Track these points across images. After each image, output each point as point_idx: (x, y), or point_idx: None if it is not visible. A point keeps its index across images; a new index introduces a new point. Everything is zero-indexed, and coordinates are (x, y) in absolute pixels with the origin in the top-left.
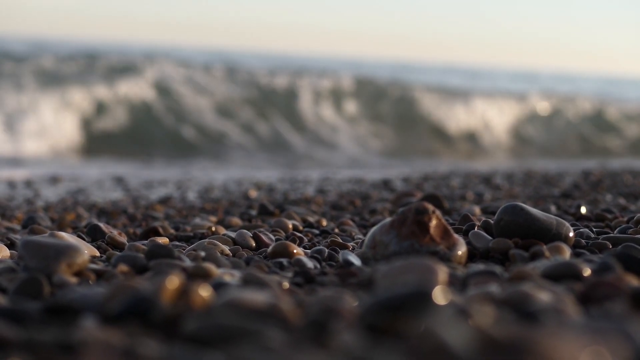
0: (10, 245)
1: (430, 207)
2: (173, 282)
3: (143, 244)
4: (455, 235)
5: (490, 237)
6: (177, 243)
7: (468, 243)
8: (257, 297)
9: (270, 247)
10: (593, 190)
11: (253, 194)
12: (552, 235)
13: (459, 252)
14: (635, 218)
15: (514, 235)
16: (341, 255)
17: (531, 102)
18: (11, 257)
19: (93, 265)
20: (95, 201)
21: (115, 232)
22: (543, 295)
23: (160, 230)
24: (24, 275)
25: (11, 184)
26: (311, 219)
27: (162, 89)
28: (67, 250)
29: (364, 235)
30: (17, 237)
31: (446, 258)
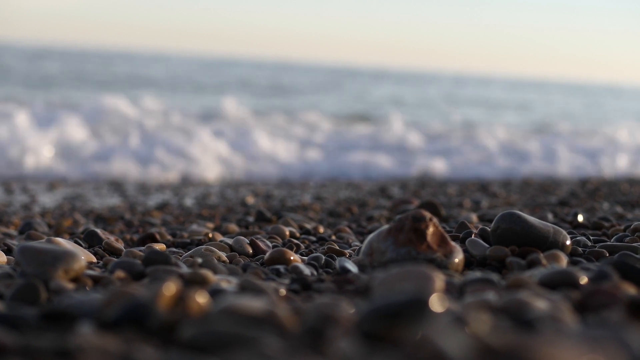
0: (7, 251)
1: (428, 214)
2: (170, 288)
3: (140, 250)
4: (452, 243)
5: (487, 245)
6: (174, 249)
7: (465, 250)
8: (253, 303)
9: (267, 254)
10: (590, 198)
11: (250, 200)
12: (549, 243)
13: (456, 260)
14: (632, 226)
15: (511, 243)
16: (338, 262)
17: None
18: (8, 263)
19: (90, 272)
20: (93, 207)
21: (112, 238)
22: (540, 303)
23: (157, 236)
24: (21, 281)
25: (8, 189)
26: (308, 225)
27: None
28: (64, 256)
29: (361, 242)
30: (14, 243)
31: (443, 265)
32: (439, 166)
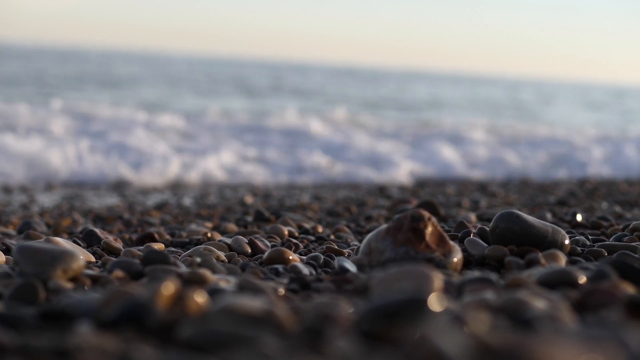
0: (6, 250)
1: (426, 214)
2: (168, 288)
3: (139, 250)
4: (451, 242)
5: (485, 244)
6: (173, 249)
7: (464, 250)
8: (252, 303)
9: (266, 254)
10: (589, 197)
11: (249, 200)
12: (547, 243)
13: (455, 259)
14: (630, 226)
15: (509, 242)
16: (337, 261)
17: None
18: (7, 262)
19: (89, 271)
20: (91, 207)
21: (110, 238)
22: (538, 303)
23: (156, 236)
24: (19, 281)
25: (7, 189)
26: (307, 225)
27: None
28: (63, 256)
29: (360, 241)
30: (13, 243)
31: (442, 265)
32: None
